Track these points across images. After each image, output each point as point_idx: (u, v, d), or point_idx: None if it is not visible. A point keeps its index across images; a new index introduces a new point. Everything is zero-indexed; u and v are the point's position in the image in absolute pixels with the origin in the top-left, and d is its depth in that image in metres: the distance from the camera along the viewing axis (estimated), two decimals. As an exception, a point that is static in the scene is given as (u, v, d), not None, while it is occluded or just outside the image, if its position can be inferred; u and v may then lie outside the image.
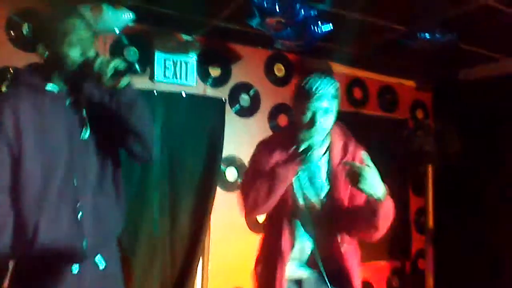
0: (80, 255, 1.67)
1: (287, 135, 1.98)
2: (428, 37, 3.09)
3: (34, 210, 1.61)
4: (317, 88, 1.79)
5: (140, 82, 3.19)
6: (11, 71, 2.70)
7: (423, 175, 4.25)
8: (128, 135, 1.71)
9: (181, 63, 3.31)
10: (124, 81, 1.59)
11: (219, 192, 3.42)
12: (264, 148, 2.00)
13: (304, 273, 2.02)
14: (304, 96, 1.82)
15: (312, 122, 1.80)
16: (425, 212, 4.23)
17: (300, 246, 1.98)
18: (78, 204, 1.66)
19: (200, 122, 3.34)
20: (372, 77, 4.29)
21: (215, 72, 3.49)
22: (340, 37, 3.23)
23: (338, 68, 4.05)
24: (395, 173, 4.28)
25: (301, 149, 1.84)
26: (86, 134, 1.70)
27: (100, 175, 1.74)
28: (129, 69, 1.64)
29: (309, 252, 2.00)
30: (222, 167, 3.46)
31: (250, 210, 1.92)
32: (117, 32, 2.82)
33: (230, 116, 3.51)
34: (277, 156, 1.90)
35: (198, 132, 3.33)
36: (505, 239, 3.80)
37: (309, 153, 1.81)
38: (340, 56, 3.86)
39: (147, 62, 3.23)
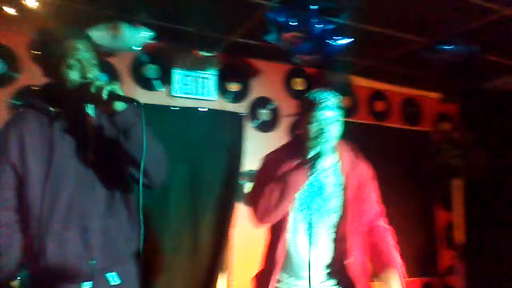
0: (88, 274, 1.66)
1: (294, 145, 2.00)
2: (450, 49, 3.03)
3: (40, 232, 1.60)
4: (321, 99, 1.85)
5: (160, 98, 3.24)
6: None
7: (452, 189, 4.14)
8: (126, 160, 1.63)
9: (200, 79, 3.35)
10: (119, 105, 1.54)
11: (239, 206, 3.41)
12: (271, 158, 2.02)
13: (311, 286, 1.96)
14: (309, 106, 1.86)
15: (319, 131, 1.84)
16: (455, 227, 4.10)
17: (299, 259, 1.95)
18: (85, 227, 1.65)
19: (219, 137, 3.36)
20: (395, 89, 4.22)
21: (234, 87, 3.51)
22: (360, 50, 3.21)
23: (359, 81, 4.01)
24: (422, 188, 4.20)
25: (309, 156, 1.85)
26: (91, 156, 1.68)
27: (109, 198, 1.71)
28: (124, 96, 1.56)
29: (312, 264, 1.94)
30: (243, 181, 3.45)
31: (260, 218, 1.90)
32: (137, 50, 2.87)
33: (250, 131, 3.52)
34: (285, 165, 1.91)
35: (218, 147, 3.35)
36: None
37: (318, 160, 1.83)
38: (361, 69, 3.83)
39: (166, 79, 3.28)
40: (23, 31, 2.79)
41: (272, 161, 1.99)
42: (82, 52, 1.62)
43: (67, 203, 1.62)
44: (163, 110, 3.21)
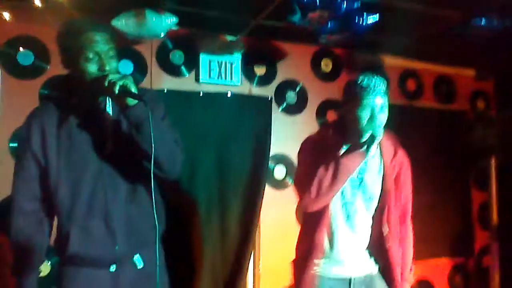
0: (113, 258, 1.73)
1: (338, 129, 2.00)
2: (485, 24, 2.90)
3: (66, 220, 1.69)
4: (374, 85, 1.86)
5: (186, 84, 3.24)
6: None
7: (486, 169, 4.02)
8: (139, 153, 1.67)
9: (226, 64, 3.33)
10: (130, 100, 1.59)
11: (268, 190, 3.40)
12: (314, 141, 2.02)
13: (352, 271, 2.01)
14: (359, 91, 1.87)
15: (372, 118, 1.85)
16: (489, 207, 3.99)
17: (339, 244, 1.98)
18: (108, 215, 1.71)
19: (246, 122, 3.33)
20: (427, 67, 4.09)
21: (260, 70, 3.47)
22: (390, 28, 3.10)
23: (389, 60, 3.89)
24: (456, 167, 4.09)
25: (363, 140, 1.84)
26: (110, 147, 1.72)
27: (130, 186, 1.76)
28: (137, 90, 1.61)
29: (353, 249, 2.00)
30: (271, 165, 3.44)
31: (312, 202, 1.89)
32: (162, 36, 2.87)
33: (277, 114, 3.48)
34: (332, 149, 1.92)
35: (245, 131, 3.33)
36: None
37: (372, 144, 1.83)
38: (391, 48, 3.71)
39: (192, 64, 3.26)
40: (50, 22, 2.84)
41: (316, 144, 1.99)
42: (101, 45, 1.64)
43: (89, 192, 1.69)
44: (190, 96, 3.21)
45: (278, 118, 3.48)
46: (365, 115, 1.85)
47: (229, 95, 3.31)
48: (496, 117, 3.94)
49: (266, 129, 3.38)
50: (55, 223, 1.81)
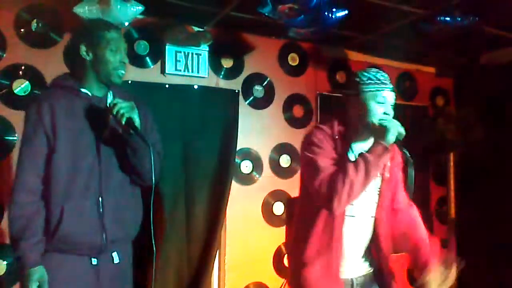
0: (99, 247, 1.82)
1: (344, 125, 1.91)
2: (449, 21, 2.96)
3: (61, 198, 1.77)
4: (383, 78, 1.86)
5: (151, 76, 3.15)
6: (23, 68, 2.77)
7: (445, 164, 4.14)
8: (129, 166, 1.89)
9: (192, 55, 3.25)
10: (133, 131, 1.79)
11: (234, 185, 3.36)
12: (321, 139, 1.86)
13: (354, 272, 1.96)
14: (367, 85, 1.84)
15: (386, 113, 1.83)
16: (447, 202, 4.11)
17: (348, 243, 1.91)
18: (101, 199, 1.82)
19: (213, 115, 3.28)
20: (390, 64, 4.15)
21: (227, 63, 3.42)
22: (356, 23, 3.12)
23: (354, 55, 3.94)
24: (416, 162, 4.18)
25: (388, 137, 1.77)
26: (109, 138, 1.87)
27: (121, 178, 1.90)
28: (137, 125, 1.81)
29: (356, 249, 1.96)
30: (237, 160, 3.40)
31: (341, 204, 1.74)
32: (126, 25, 2.76)
33: (244, 108, 3.45)
34: (344, 147, 1.86)
35: (211, 125, 3.28)
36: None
37: (392, 139, 1.78)
38: (356, 43, 3.75)
39: (158, 55, 3.17)
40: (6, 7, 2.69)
41: (329, 141, 1.86)
42: (122, 42, 1.90)
43: (86, 174, 1.81)
44: (156, 88, 3.12)
45: (245, 112, 3.44)
46: (377, 110, 1.81)
47: (196, 87, 3.24)
48: (455, 113, 4.06)
49: (233, 123, 3.34)
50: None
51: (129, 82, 2.99)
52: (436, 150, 4.14)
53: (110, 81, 1.88)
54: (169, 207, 3.12)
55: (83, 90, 1.87)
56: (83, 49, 1.85)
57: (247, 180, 3.46)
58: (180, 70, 3.21)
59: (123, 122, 1.76)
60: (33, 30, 2.80)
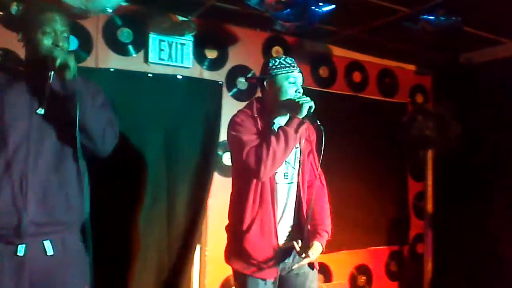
0: (20, 231, 1.68)
1: (262, 104, 2.21)
2: (432, 20, 3.00)
3: None
4: (292, 63, 2.17)
5: (134, 64, 3.10)
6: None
7: (422, 160, 4.21)
8: (73, 126, 1.77)
9: (176, 45, 3.21)
10: (68, 74, 1.73)
11: (216, 177, 3.35)
12: (244, 118, 2.15)
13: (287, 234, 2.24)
14: (279, 69, 2.14)
15: (298, 91, 2.13)
16: (424, 197, 4.19)
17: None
18: (26, 178, 1.72)
19: (196, 106, 3.25)
20: (372, 60, 4.21)
21: (211, 54, 3.40)
22: (340, 19, 3.14)
23: (337, 51, 3.97)
24: (394, 157, 4.26)
25: (302, 112, 2.02)
26: (41, 111, 1.80)
27: (57, 153, 1.82)
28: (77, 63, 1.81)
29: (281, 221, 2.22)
30: (219, 152, 3.39)
31: (266, 172, 2.01)
32: (109, 12, 2.71)
33: (228, 100, 3.43)
34: (263, 122, 2.14)
35: (194, 116, 3.25)
36: (504, 223, 3.77)
37: (306, 112, 2.03)
38: (339, 39, 3.78)
39: (141, 44, 3.12)
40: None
41: (249, 119, 2.14)
42: (58, 24, 1.87)
43: (12, 149, 1.73)
44: (138, 76, 3.07)
45: (228, 103, 3.42)
46: (289, 89, 2.11)
47: (179, 77, 3.21)
48: (433, 110, 4.12)
49: (216, 114, 3.32)
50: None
51: (112, 70, 2.94)
52: (414, 147, 4.21)
53: None
54: (150, 197, 3.09)
55: (22, 69, 1.91)
56: (21, 33, 1.89)
57: (229, 171, 3.42)
58: (164, 59, 3.17)
59: (57, 64, 1.72)
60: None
